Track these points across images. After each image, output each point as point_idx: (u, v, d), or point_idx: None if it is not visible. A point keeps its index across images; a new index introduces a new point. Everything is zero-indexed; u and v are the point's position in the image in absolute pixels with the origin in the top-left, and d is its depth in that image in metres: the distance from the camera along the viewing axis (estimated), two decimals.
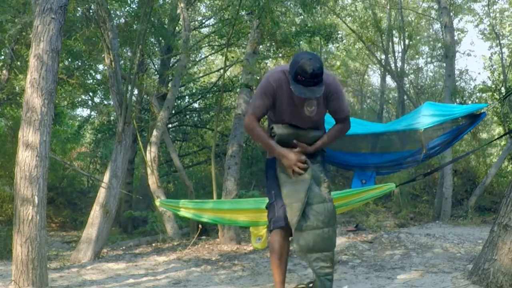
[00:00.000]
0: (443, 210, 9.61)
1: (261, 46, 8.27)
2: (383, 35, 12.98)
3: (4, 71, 8.12)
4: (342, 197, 4.16)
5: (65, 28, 4.83)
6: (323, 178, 2.81)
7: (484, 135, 13.51)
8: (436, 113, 4.59)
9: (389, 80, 17.30)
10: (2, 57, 8.35)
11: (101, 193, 5.81)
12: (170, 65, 11.15)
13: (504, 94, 9.63)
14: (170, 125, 11.54)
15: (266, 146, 2.83)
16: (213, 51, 11.54)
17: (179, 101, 11.95)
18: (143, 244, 7.49)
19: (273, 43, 8.21)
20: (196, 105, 12.62)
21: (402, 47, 14.42)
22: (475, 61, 39.48)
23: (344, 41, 12.76)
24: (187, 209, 4.58)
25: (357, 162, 5.14)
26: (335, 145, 4.51)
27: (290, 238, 2.82)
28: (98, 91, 10.66)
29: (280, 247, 2.78)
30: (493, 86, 10.93)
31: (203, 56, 12.96)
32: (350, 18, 13.29)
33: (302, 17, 9.39)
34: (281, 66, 2.78)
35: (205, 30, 12.55)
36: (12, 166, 7.67)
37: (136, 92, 9.51)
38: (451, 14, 11.58)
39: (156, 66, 11.76)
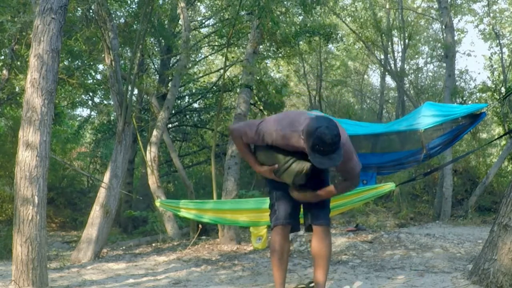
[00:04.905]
0: (443, 210, 9.61)
1: (261, 46, 8.28)
2: (383, 35, 12.97)
3: (4, 71, 8.10)
4: (342, 197, 4.15)
5: (65, 28, 4.84)
6: None
7: (484, 135, 13.50)
8: (436, 113, 4.58)
9: (389, 80, 17.28)
10: (2, 57, 8.34)
11: (101, 193, 5.81)
12: (170, 65, 11.15)
13: (504, 94, 9.63)
14: (170, 125, 11.54)
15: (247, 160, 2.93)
16: (213, 51, 11.54)
17: (179, 101, 11.95)
18: (143, 244, 7.49)
19: (273, 43, 8.22)
20: (196, 105, 12.62)
21: (402, 47, 14.41)
22: (475, 61, 39.50)
23: (344, 41, 12.75)
24: (187, 209, 4.58)
25: None
26: None
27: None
28: (98, 91, 10.65)
29: (280, 247, 2.79)
30: (493, 86, 10.93)
31: (203, 56, 12.96)
32: (350, 18, 13.28)
33: (302, 17, 9.39)
34: (276, 122, 2.64)
35: (205, 30, 12.56)
36: (12, 166, 7.67)
37: (136, 92, 9.50)
38: (451, 14, 11.57)
39: (156, 66, 11.75)
